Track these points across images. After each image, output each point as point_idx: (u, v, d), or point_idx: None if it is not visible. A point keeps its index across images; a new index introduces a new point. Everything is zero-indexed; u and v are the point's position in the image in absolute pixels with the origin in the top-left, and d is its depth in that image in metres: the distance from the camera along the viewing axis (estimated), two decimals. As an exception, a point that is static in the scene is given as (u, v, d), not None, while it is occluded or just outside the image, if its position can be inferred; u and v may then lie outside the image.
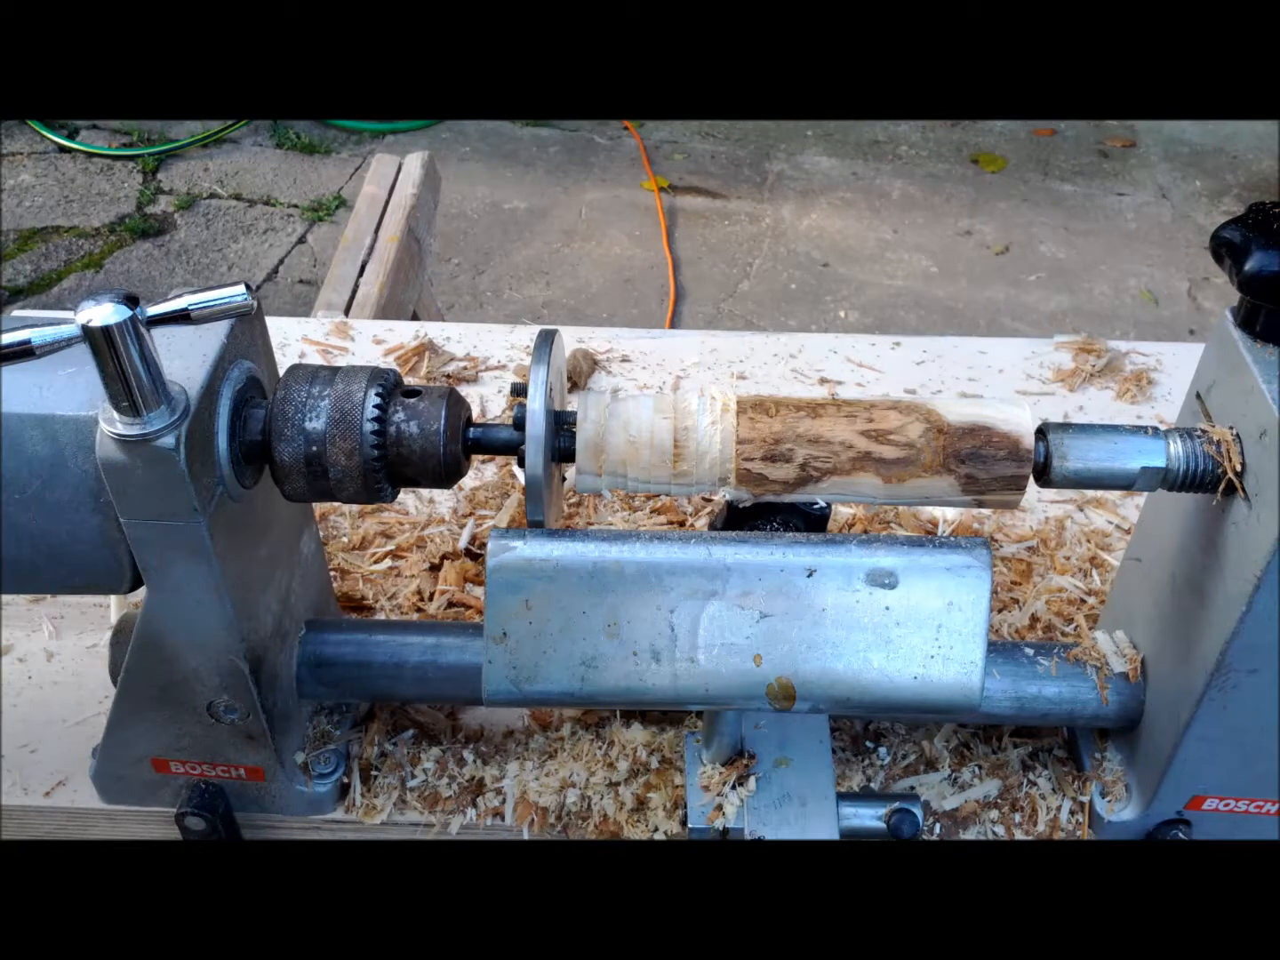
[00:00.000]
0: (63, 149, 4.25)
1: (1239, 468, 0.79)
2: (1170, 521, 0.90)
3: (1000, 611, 1.13)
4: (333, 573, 1.17)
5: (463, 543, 1.21)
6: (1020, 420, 0.79)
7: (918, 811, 0.90)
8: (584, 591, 0.78)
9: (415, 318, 2.50)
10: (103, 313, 0.68)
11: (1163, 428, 0.82)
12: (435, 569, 1.19)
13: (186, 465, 0.74)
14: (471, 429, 0.82)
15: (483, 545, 1.19)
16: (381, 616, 1.15)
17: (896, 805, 0.90)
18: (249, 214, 4.03)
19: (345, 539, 1.22)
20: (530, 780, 1.00)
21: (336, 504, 1.19)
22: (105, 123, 4.39)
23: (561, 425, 0.81)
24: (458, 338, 1.50)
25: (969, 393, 1.41)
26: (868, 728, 1.06)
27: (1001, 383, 1.43)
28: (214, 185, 4.15)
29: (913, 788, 1.01)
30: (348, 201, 4.01)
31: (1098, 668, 0.96)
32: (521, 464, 0.77)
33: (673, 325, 3.59)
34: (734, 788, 0.91)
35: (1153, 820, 0.95)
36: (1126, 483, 0.81)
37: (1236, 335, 0.80)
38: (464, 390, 1.41)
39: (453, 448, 0.80)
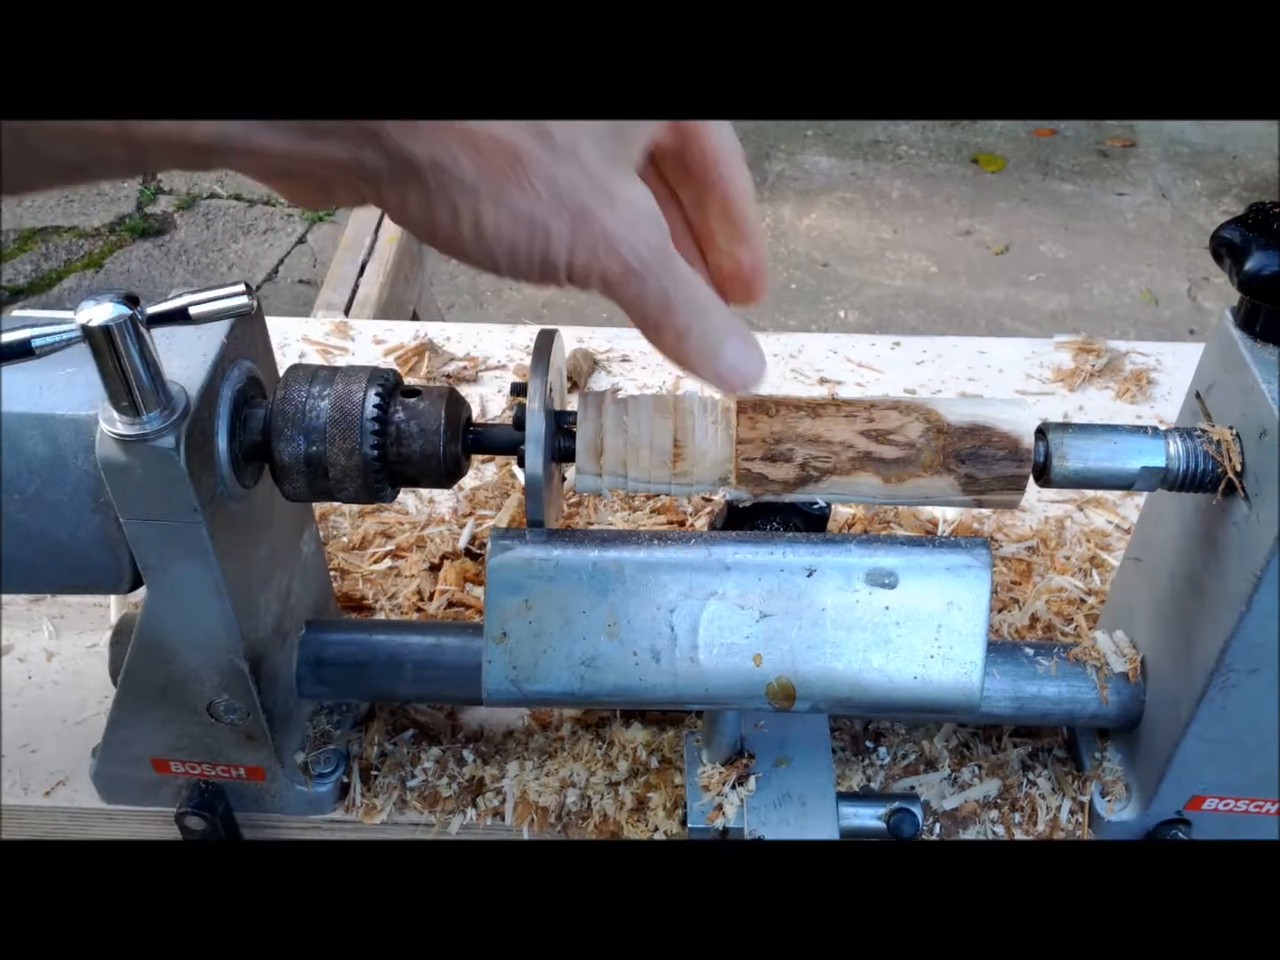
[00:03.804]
0: (63, 149, 4.24)
1: (1239, 468, 0.79)
2: (1170, 521, 0.90)
3: (1000, 611, 1.13)
4: (333, 573, 1.17)
5: (463, 543, 1.21)
6: (1020, 420, 0.79)
7: (918, 811, 0.90)
8: (584, 591, 0.78)
9: (415, 318, 2.50)
10: (103, 312, 0.68)
11: (1163, 428, 0.82)
12: (435, 569, 1.19)
13: (186, 465, 0.74)
14: (471, 429, 0.82)
15: (483, 545, 1.19)
16: (381, 616, 1.15)
17: (896, 805, 0.90)
18: (249, 214, 4.03)
19: (345, 539, 1.22)
20: (530, 780, 1.00)
21: (336, 504, 1.19)
22: (105, 123, 4.38)
23: (561, 425, 0.81)
24: (458, 338, 1.50)
25: (969, 393, 1.41)
26: (868, 728, 1.06)
27: (1001, 383, 1.43)
28: (214, 185, 4.15)
29: (913, 788, 1.01)
30: (348, 201, 4.00)
31: (1098, 667, 0.96)
32: (521, 464, 0.77)
33: (673, 325, 3.58)
34: (734, 787, 0.91)
35: (1153, 820, 0.95)
36: (1126, 483, 0.81)
37: (1236, 335, 0.80)
38: (464, 390, 1.41)
39: (453, 447, 0.80)
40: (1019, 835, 0.99)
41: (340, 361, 1.45)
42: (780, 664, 0.78)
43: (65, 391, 0.78)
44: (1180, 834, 0.94)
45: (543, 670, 0.79)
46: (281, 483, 0.81)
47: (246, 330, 0.84)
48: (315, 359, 1.45)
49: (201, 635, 0.85)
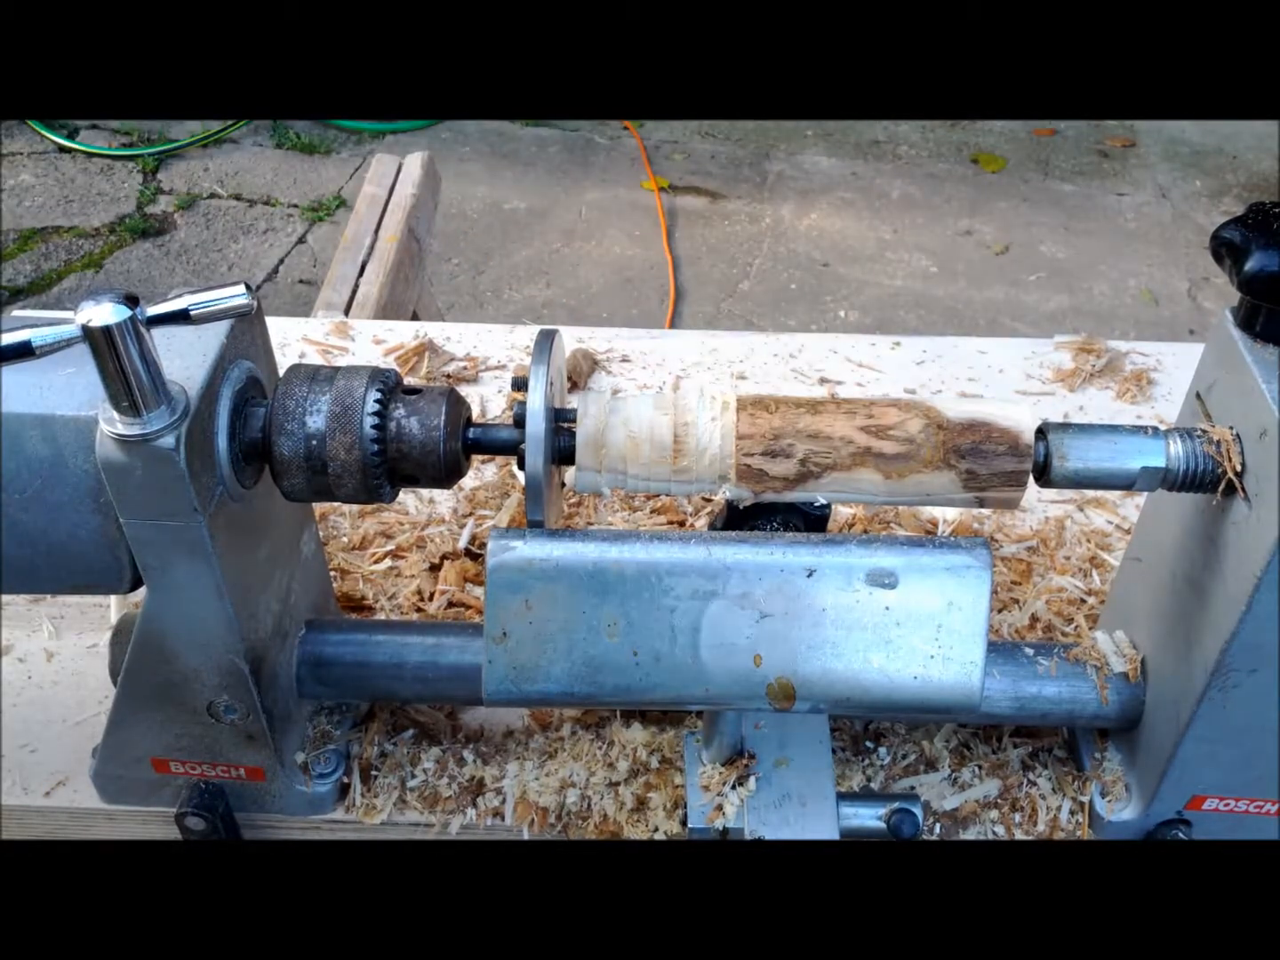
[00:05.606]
0: (63, 149, 4.25)
1: (1239, 468, 0.79)
2: (1170, 521, 0.90)
3: (1000, 611, 1.13)
4: (333, 573, 1.17)
5: (463, 543, 1.21)
6: (1019, 416, 0.79)
7: (918, 811, 0.90)
8: (584, 591, 0.78)
9: (415, 318, 2.50)
10: (103, 313, 0.68)
11: (1163, 428, 0.82)
12: (435, 569, 1.19)
13: (186, 465, 0.74)
14: (471, 428, 0.82)
15: (483, 545, 1.19)
16: (381, 616, 1.15)
17: (896, 805, 0.90)
18: (249, 214, 4.03)
19: (345, 539, 1.22)
20: (530, 780, 1.00)
21: (337, 504, 1.19)
22: (105, 123, 4.39)
23: (561, 424, 0.81)
24: (458, 338, 1.50)
25: (969, 393, 1.41)
26: (868, 728, 1.06)
27: (1001, 383, 1.43)
28: (214, 185, 4.15)
29: (913, 788, 1.01)
30: (348, 201, 4.01)
31: (1098, 668, 0.96)
32: (521, 465, 0.77)
33: (673, 325, 3.58)
34: (734, 788, 0.91)
35: (1153, 820, 0.95)
36: (1126, 483, 0.81)
37: (1236, 335, 0.80)
38: (464, 390, 1.41)
39: (452, 444, 0.80)
40: (1019, 835, 0.99)
41: (340, 361, 1.45)
42: (780, 664, 0.78)
43: (65, 391, 0.78)
44: (1180, 834, 0.94)
45: (543, 670, 0.79)
46: (280, 480, 0.81)
47: (246, 330, 0.84)
48: (315, 359, 1.45)
49: (201, 635, 0.85)
